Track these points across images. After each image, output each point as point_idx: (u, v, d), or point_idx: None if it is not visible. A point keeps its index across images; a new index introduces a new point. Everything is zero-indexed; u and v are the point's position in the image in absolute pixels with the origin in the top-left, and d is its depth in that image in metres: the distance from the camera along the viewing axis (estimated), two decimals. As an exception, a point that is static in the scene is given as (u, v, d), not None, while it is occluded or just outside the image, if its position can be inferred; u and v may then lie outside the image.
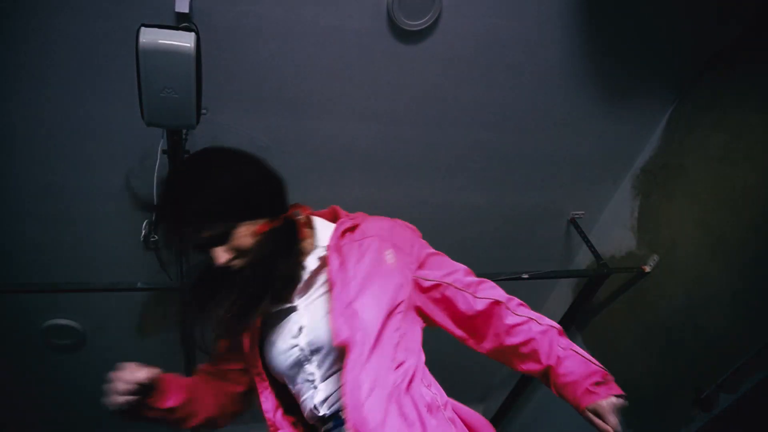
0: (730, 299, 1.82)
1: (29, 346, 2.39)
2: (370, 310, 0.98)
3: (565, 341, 1.09)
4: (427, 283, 1.13)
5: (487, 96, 1.91)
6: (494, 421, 3.17)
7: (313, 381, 1.06)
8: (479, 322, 1.12)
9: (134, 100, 1.36)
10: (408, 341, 1.04)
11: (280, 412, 1.10)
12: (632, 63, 1.92)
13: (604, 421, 0.99)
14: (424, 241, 1.20)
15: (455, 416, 1.02)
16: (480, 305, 1.10)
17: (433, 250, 1.19)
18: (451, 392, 1.08)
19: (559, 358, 1.06)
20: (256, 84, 1.74)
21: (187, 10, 1.50)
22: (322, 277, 1.10)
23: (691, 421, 1.97)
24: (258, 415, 1.11)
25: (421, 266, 1.14)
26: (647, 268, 2.16)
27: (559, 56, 1.85)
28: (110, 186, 1.90)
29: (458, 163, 2.11)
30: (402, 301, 1.05)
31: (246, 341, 1.11)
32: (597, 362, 1.06)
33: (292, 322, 1.09)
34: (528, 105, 1.97)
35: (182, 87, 1.32)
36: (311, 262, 1.09)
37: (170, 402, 1.08)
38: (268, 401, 1.10)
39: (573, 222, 2.43)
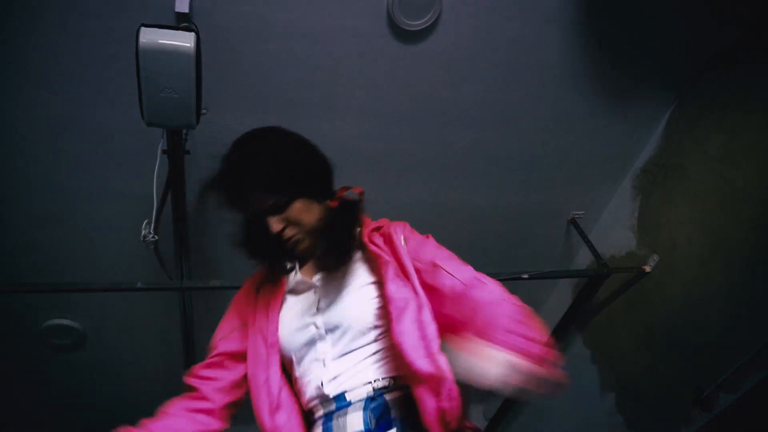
0: (730, 299, 1.82)
1: (29, 346, 2.39)
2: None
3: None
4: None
5: (486, 96, 1.91)
6: (494, 421, 3.17)
7: (323, 360, 1.07)
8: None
9: (134, 100, 1.36)
10: None
11: (286, 390, 1.10)
12: (632, 63, 1.92)
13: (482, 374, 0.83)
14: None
15: None
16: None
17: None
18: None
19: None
20: (256, 84, 1.74)
21: (187, 10, 1.50)
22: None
23: (691, 421, 1.97)
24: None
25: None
26: (647, 268, 2.15)
27: (558, 56, 1.85)
28: (110, 186, 1.90)
29: (458, 163, 2.11)
30: None
31: (266, 309, 1.14)
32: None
33: (311, 302, 1.12)
34: (528, 105, 1.97)
35: (182, 87, 1.32)
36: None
37: None
38: (276, 375, 1.08)
39: (573, 222, 2.43)
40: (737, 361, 1.77)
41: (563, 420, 2.75)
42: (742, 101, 1.83)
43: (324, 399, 1.06)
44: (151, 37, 1.25)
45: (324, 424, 1.04)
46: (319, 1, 1.59)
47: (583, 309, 2.47)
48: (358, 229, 1.18)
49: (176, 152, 1.59)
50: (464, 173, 2.16)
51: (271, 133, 1.11)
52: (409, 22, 1.64)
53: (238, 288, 1.26)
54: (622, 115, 2.09)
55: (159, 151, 1.64)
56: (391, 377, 1.04)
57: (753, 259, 1.75)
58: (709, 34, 1.87)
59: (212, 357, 1.16)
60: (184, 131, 1.60)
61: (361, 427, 0.97)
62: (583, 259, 2.56)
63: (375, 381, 1.03)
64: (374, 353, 1.06)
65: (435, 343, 0.98)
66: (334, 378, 1.05)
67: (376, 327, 1.07)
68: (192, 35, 1.28)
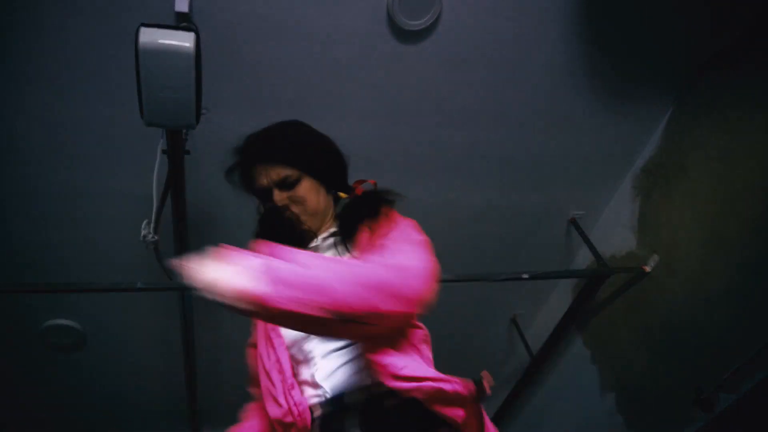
0: (730, 299, 1.82)
1: (29, 346, 2.39)
2: None
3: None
4: None
5: (487, 96, 1.91)
6: (494, 421, 3.17)
7: (312, 359, 1.05)
8: None
9: (134, 100, 1.36)
10: None
11: (290, 370, 1.06)
12: (632, 63, 1.92)
13: None
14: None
15: None
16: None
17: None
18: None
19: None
20: (256, 84, 1.74)
21: (186, 10, 1.50)
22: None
23: (691, 421, 1.97)
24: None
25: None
26: (647, 268, 2.15)
27: (558, 56, 1.85)
28: (110, 186, 1.90)
29: (458, 163, 2.11)
30: None
31: None
32: None
33: None
34: (528, 105, 1.97)
35: (182, 87, 1.31)
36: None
37: None
38: (285, 355, 1.06)
39: (573, 222, 2.43)
40: (737, 361, 1.77)
41: (563, 420, 2.75)
42: (742, 101, 1.83)
43: (315, 393, 1.04)
44: (150, 36, 1.25)
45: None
46: (319, 0, 1.59)
47: (583, 309, 2.47)
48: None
49: (176, 152, 1.59)
50: (464, 173, 2.16)
51: (293, 121, 1.23)
52: (409, 22, 1.65)
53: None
54: (622, 115, 2.08)
55: (159, 151, 1.63)
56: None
57: (753, 259, 1.75)
58: (709, 34, 1.87)
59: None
60: (184, 131, 1.60)
61: None
62: (583, 259, 2.56)
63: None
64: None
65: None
66: (324, 374, 1.03)
67: None
68: (192, 35, 1.28)
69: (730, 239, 1.82)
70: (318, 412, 1.03)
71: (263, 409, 1.08)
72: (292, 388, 1.02)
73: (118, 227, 1.99)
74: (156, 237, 1.72)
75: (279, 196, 1.14)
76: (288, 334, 1.10)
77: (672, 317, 2.05)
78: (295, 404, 0.99)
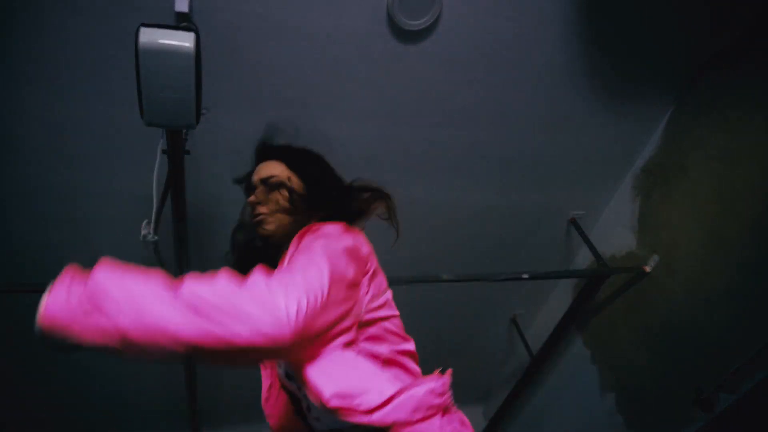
0: (730, 299, 1.82)
1: (29, 346, 2.39)
2: None
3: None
4: None
5: (487, 96, 1.91)
6: (494, 421, 3.17)
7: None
8: None
9: (134, 100, 1.36)
10: None
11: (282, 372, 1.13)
12: (632, 63, 1.92)
13: None
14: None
15: None
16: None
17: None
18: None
19: None
20: (256, 84, 1.74)
21: (186, 10, 1.50)
22: None
23: (691, 421, 1.97)
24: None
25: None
26: (647, 268, 2.15)
27: (558, 56, 1.85)
28: (110, 186, 1.90)
29: (458, 163, 2.11)
30: None
31: None
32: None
33: None
34: (528, 105, 1.97)
35: (182, 87, 1.31)
36: None
37: None
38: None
39: (573, 222, 2.43)
40: (737, 361, 1.77)
41: (563, 420, 2.75)
42: (742, 101, 1.83)
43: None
44: (150, 36, 1.25)
45: None
46: (319, 1, 1.59)
47: (583, 309, 2.47)
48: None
49: (176, 152, 1.59)
50: (464, 173, 2.16)
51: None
52: (409, 22, 1.64)
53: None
54: (622, 115, 2.08)
55: (159, 151, 1.63)
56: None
57: (753, 259, 1.75)
58: (709, 34, 1.87)
59: None
60: (184, 131, 1.60)
61: None
62: (583, 259, 2.56)
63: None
64: None
65: None
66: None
67: None
68: (192, 35, 1.28)
69: (730, 239, 1.82)
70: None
71: None
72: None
73: (118, 227, 1.99)
74: (156, 237, 1.71)
75: (259, 196, 1.17)
76: None
77: (672, 317, 2.05)
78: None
